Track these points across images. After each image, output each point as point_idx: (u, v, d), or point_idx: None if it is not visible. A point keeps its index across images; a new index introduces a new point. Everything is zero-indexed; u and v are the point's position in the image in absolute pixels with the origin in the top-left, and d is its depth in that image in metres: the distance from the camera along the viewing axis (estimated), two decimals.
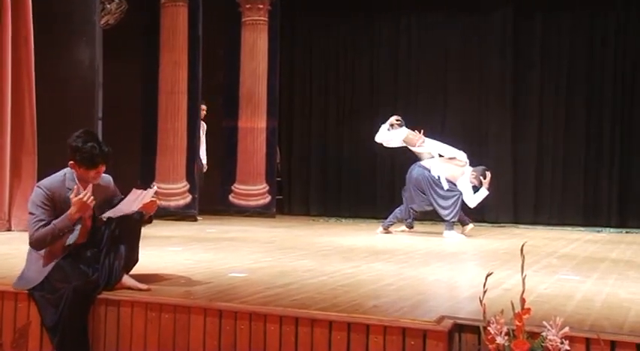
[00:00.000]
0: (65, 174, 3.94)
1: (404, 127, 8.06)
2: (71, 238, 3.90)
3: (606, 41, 9.57)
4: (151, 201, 3.95)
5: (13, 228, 7.23)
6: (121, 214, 3.90)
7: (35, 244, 3.84)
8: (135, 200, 3.91)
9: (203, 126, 9.56)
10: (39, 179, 7.58)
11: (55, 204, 3.86)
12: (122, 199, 4.03)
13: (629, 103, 9.48)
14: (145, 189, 4.03)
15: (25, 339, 3.73)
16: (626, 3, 9.40)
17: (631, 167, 9.46)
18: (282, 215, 10.38)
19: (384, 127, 8.08)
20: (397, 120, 8.09)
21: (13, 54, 7.29)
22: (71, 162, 3.89)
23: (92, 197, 3.81)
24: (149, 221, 4.10)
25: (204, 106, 9.41)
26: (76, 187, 3.82)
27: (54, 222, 3.80)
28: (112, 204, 4.03)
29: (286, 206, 10.83)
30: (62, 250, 3.88)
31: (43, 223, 3.81)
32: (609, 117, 9.54)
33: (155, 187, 4.22)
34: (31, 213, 3.87)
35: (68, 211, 3.79)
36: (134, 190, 3.96)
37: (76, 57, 7.97)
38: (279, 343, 3.40)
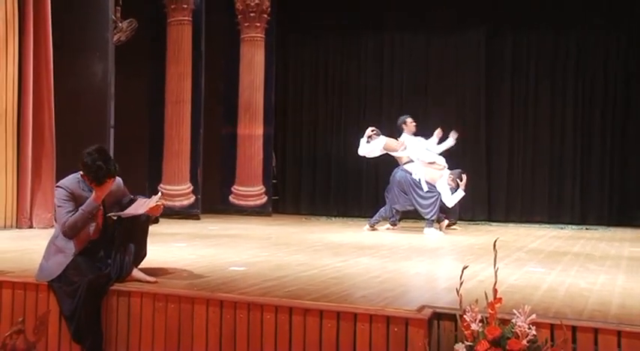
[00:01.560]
0: (79, 181, 3.96)
1: (381, 136, 8.06)
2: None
3: (568, 57, 9.63)
4: (157, 205, 3.95)
5: (34, 225, 7.21)
6: (129, 215, 3.91)
7: (69, 230, 3.85)
8: (142, 205, 3.93)
9: None
10: (57, 181, 7.60)
11: (76, 200, 3.89)
12: (131, 199, 4.04)
13: (588, 114, 9.55)
14: (150, 196, 4.05)
15: (45, 326, 3.72)
16: (584, 26, 9.47)
17: (590, 171, 9.53)
18: (277, 214, 10.36)
19: (363, 140, 8.08)
20: (373, 131, 8.07)
21: (34, 68, 7.30)
22: (82, 173, 3.93)
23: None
24: (155, 221, 4.12)
25: None
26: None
27: (81, 207, 3.84)
28: (121, 204, 4.04)
29: (281, 206, 10.80)
30: (80, 246, 3.88)
31: (72, 212, 3.85)
32: (570, 126, 9.60)
33: (160, 193, 4.21)
34: (59, 206, 3.90)
35: (92, 194, 3.84)
36: (139, 198, 3.98)
37: (91, 70, 7.95)
38: (275, 330, 3.40)
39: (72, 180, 3.96)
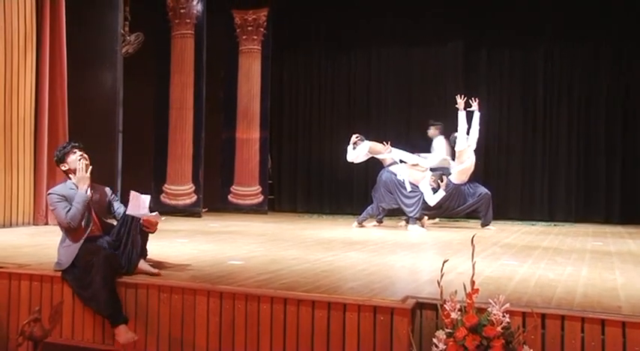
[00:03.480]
0: (65, 182, 4.08)
1: (365, 141, 8.06)
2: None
3: (537, 68, 9.68)
4: (155, 221, 3.98)
5: (49, 222, 7.21)
6: (132, 214, 3.93)
7: (72, 220, 3.89)
8: (139, 206, 3.92)
9: None
10: None
11: (67, 200, 3.96)
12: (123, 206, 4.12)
13: (556, 119, 9.60)
14: (152, 193, 4.08)
15: (60, 315, 3.71)
16: (553, 40, 9.53)
17: (557, 173, 9.57)
18: (273, 212, 10.35)
19: (350, 147, 8.09)
20: (357, 137, 8.09)
21: (50, 77, 7.30)
22: (64, 172, 4.09)
23: (89, 165, 4.04)
24: (151, 232, 4.09)
25: None
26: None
27: (73, 203, 3.92)
28: (110, 209, 4.15)
29: (276, 204, 10.80)
30: (83, 234, 3.93)
31: (68, 208, 3.91)
32: (540, 133, 9.64)
33: (163, 219, 4.17)
34: (54, 209, 3.97)
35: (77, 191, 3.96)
36: (132, 193, 3.98)
37: (101, 80, 7.94)
38: (270, 319, 3.40)
39: (59, 185, 4.09)
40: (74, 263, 3.84)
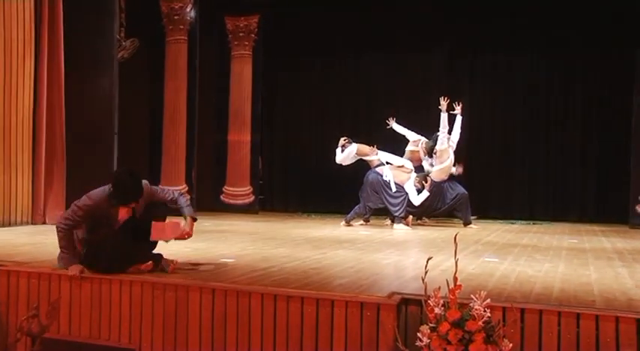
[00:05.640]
0: (107, 194, 3.86)
1: (353, 143, 8.08)
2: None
3: (519, 73, 9.72)
4: (185, 233, 4.01)
5: (47, 221, 7.16)
6: (159, 239, 3.96)
7: (57, 231, 3.85)
8: (165, 231, 3.95)
9: None
10: (67, 184, 7.54)
11: (94, 216, 3.84)
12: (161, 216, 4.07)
13: (536, 122, 9.66)
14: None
15: (57, 311, 3.69)
16: (533, 49, 9.58)
17: (536, 173, 9.62)
18: (263, 212, 10.32)
19: (338, 150, 8.11)
20: (345, 139, 8.12)
21: (48, 82, 7.27)
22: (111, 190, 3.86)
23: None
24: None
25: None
26: None
27: (65, 250, 3.84)
28: (155, 205, 4.06)
29: (267, 204, 10.78)
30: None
31: (69, 227, 3.82)
32: (520, 138, 9.69)
33: (194, 223, 4.12)
34: (72, 214, 3.84)
35: (68, 266, 3.81)
36: (154, 223, 3.96)
37: (98, 84, 7.90)
38: (261, 315, 3.40)
39: (101, 198, 3.85)
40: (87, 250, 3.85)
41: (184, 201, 4.11)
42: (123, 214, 3.89)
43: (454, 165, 8.23)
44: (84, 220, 3.84)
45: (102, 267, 3.78)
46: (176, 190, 4.21)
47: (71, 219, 3.83)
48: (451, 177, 8.28)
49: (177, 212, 4.16)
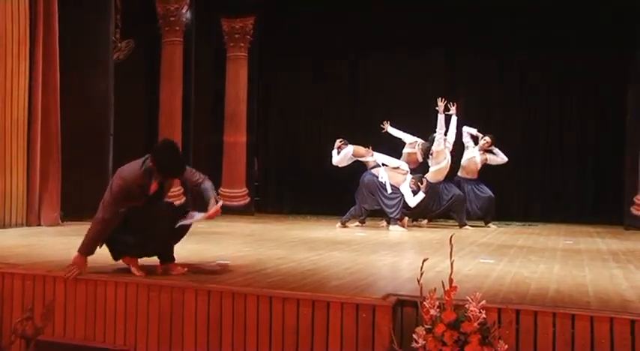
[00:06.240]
0: (143, 169, 3.76)
1: (349, 145, 8.09)
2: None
3: (515, 74, 9.78)
4: (214, 212, 3.92)
5: (42, 223, 7.12)
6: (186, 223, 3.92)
7: (96, 223, 3.76)
8: (194, 217, 3.93)
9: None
10: (62, 185, 7.52)
11: (130, 194, 3.74)
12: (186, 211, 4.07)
13: (533, 123, 9.71)
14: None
15: (52, 313, 3.68)
16: (531, 50, 9.61)
17: (532, 175, 9.67)
18: (259, 213, 10.32)
19: (334, 152, 8.11)
20: (341, 141, 8.12)
21: (43, 83, 7.24)
22: (152, 164, 3.75)
23: None
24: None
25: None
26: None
27: (99, 238, 3.77)
28: (193, 184, 4.05)
29: (263, 206, 10.78)
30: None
31: (112, 215, 3.71)
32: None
33: (221, 202, 4.07)
34: (109, 198, 3.73)
35: (82, 255, 3.76)
36: (190, 213, 3.97)
37: (93, 85, 7.90)
38: (257, 316, 3.39)
39: (134, 173, 3.74)
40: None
41: (210, 185, 4.07)
42: (153, 187, 3.81)
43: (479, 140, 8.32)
44: (123, 203, 3.72)
45: (120, 250, 3.76)
46: (202, 174, 4.12)
47: (112, 204, 3.71)
48: (447, 178, 8.29)
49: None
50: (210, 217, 3.94)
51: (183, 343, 3.52)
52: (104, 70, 7.96)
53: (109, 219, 3.74)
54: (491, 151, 8.56)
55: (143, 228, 3.80)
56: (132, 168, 3.79)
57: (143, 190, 3.76)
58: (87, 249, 3.81)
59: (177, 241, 4.03)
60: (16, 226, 6.91)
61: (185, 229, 3.99)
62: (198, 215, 3.91)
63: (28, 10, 7.09)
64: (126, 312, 3.65)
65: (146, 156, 3.82)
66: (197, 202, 4.10)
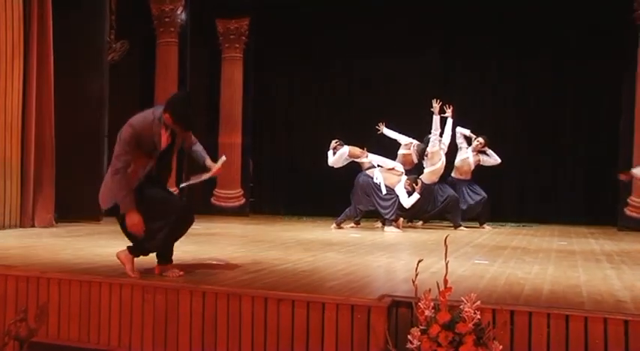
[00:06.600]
0: (154, 119, 3.72)
1: (345, 146, 8.10)
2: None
3: (509, 76, 9.82)
4: (218, 169, 4.03)
5: (36, 225, 7.10)
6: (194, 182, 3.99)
7: (113, 174, 3.68)
8: (201, 177, 4.04)
9: None
10: (57, 187, 7.49)
11: (141, 142, 3.69)
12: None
13: (527, 124, 9.74)
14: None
15: (46, 314, 3.66)
16: (525, 51, 9.65)
17: (526, 177, 9.71)
18: (254, 214, 10.31)
19: (330, 153, 8.12)
20: (336, 142, 8.14)
21: (37, 84, 7.23)
22: (167, 115, 3.69)
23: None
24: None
25: None
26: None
27: (118, 197, 3.66)
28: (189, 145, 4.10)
29: (258, 207, 10.77)
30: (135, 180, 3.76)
31: (125, 164, 3.65)
32: (512, 141, 9.74)
33: (224, 157, 4.19)
34: (118, 147, 3.68)
35: (129, 211, 3.67)
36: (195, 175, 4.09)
37: (87, 86, 7.88)
38: (252, 318, 3.39)
39: (146, 121, 3.69)
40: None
41: (202, 147, 4.20)
42: (165, 139, 3.76)
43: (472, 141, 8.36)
44: (134, 150, 3.65)
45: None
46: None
47: (123, 153, 3.65)
48: (441, 179, 8.31)
49: None
50: (216, 174, 4.07)
51: (178, 344, 3.51)
52: (99, 72, 7.94)
53: (123, 168, 3.66)
54: (484, 153, 8.57)
55: (158, 217, 3.76)
56: (142, 116, 3.75)
57: (154, 141, 3.71)
58: (125, 203, 3.66)
59: (177, 238, 4.01)
60: (10, 227, 6.89)
61: (185, 226, 3.96)
62: (205, 175, 4.02)
63: (22, 11, 7.07)
64: (120, 313, 3.64)
65: (156, 106, 3.79)
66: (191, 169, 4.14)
